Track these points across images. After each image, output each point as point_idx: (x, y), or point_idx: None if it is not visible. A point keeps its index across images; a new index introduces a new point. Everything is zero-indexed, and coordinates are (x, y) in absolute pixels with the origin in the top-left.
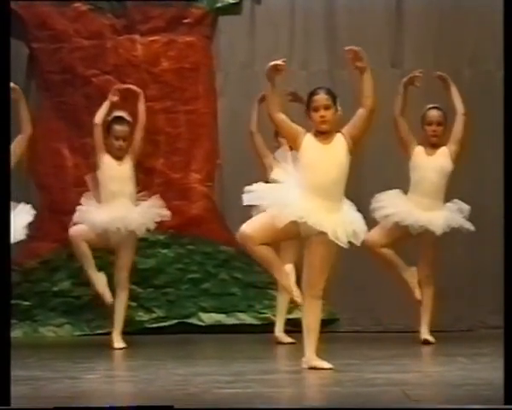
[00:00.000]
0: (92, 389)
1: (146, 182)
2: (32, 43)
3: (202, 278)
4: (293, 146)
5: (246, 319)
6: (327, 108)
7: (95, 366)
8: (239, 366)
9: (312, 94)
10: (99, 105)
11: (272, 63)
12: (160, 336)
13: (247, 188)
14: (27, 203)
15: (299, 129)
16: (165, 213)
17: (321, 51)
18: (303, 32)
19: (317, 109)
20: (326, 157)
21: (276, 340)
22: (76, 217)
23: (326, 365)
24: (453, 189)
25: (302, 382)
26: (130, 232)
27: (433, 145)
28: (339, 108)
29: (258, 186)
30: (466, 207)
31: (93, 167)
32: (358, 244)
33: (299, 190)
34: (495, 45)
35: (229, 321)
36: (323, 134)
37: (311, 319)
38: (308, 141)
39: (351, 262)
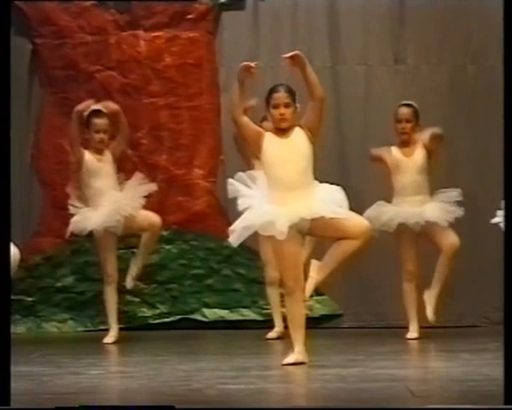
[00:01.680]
0: (95, 385)
1: (149, 178)
2: (36, 38)
3: (206, 274)
4: (255, 149)
5: (249, 314)
6: (287, 106)
7: (98, 362)
8: (242, 361)
9: (272, 91)
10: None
11: (244, 64)
12: (164, 331)
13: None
14: (30, 200)
15: (260, 130)
16: (153, 188)
17: (324, 47)
18: (306, 28)
19: (276, 107)
20: (288, 151)
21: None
22: (71, 227)
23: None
24: (456, 183)
25: (305, 377)
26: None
27: (405, 143)
28: (297, 105)
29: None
30: (454, 194)
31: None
32: (347, 210)
33: (271, 195)
34: (498, 41)
35: (232, 317)
36: (282, 130)
37: (298, 314)
38: (269, 139)
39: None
